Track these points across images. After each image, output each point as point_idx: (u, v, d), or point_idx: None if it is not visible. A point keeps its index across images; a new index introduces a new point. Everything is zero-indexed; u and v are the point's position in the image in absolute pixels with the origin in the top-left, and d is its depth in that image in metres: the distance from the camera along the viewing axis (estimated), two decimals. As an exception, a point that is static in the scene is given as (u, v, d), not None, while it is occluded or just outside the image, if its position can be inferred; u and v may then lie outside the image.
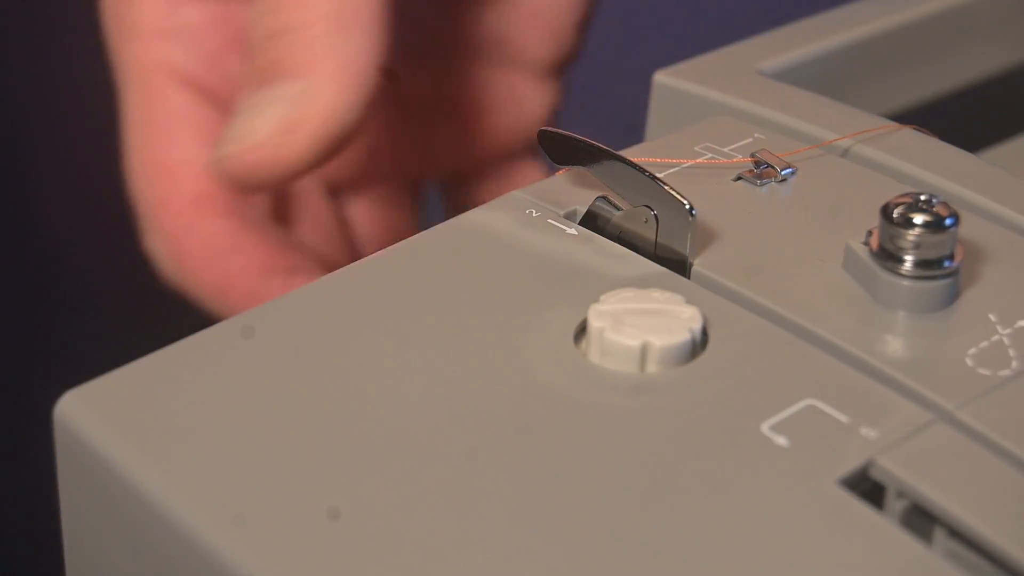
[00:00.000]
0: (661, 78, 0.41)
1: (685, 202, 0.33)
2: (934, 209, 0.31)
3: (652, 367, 0.30)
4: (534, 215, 0.35)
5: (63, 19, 0.62)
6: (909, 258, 0.31)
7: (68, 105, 0.64)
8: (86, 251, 0.67)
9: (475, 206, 0.35)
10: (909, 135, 0.37)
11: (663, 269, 0.33)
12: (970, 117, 0.47)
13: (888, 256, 0.31)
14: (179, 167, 0.43)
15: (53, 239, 0.66)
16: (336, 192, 0.48)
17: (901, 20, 0.44)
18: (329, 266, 0.44)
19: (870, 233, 0.32)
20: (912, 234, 0.31)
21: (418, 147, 0.50)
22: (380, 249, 0.35)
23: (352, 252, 0.48)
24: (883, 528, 0.27)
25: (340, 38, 0.40)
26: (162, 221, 0.43)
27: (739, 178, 0.36)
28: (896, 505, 0.28)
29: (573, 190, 0.36)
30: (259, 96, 0.40)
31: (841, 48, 0.43)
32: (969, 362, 0.30)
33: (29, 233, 0.65)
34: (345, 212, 0.49)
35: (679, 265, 0.33)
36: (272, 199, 0.46)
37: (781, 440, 0.29)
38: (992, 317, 0.31)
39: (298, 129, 0.39)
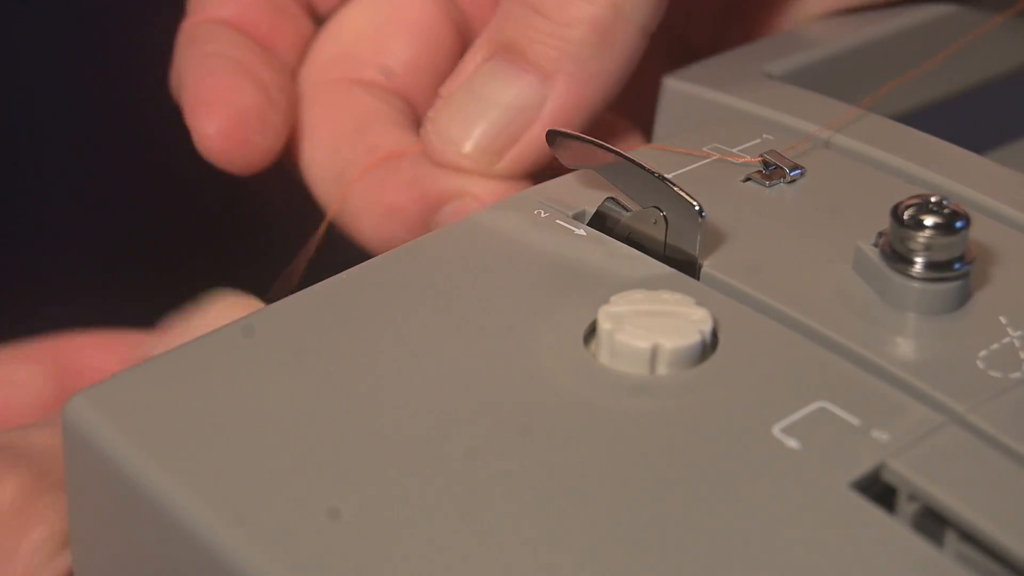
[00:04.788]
0: (669, 81, 0.41)
1: (695, 203, 0.33)
2: (945, 211, 0.31)
3: (662, 369, 0.30)
4: (543, 216, 0.35)
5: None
6: (920, 260, 0.31)
7: (70, 103, 0.64)
8: (87, 251, 0.67)
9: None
10: (920, 137, 0.37)
11: (672, 270, 0.33)
12: (977, 119, 0.46)
13: (898, 258, 0.31)
14: None
15: (54, 238, 0.66)
16: None
17: (907, 23, 0.44)
18: None
19: (880, 234, 0.32)
20: (923, 236, 0.31)
21: None
22: None
23: None
24: (895, 531, 0.27)
25: (593, 50, 0.38)
26: None
27: (748, 179, 0.36)
28: (907, 508, 0.28)
29: (582, 191, 0.36)
30: (484, 82, 0.39)
31: (848, 50, 0.43)
32: (980, 364, 0.30)
33: (31, 233, 0.65)
34: None
35: (688, 266, 0.33)
36: None
37: (792, 442, 0.29)
38: (1003, 319, 0.31)
39: (512, 148, 0.38)
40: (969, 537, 0.27)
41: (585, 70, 0.38)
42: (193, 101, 0.41)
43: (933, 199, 0.31)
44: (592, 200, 0.35)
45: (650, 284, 0.32)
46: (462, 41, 0.44)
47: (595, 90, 0.38)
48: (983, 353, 0.30)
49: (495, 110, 0.38)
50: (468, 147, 0.38)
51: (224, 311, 0.36)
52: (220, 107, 0.40)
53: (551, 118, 0.38)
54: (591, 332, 0.31)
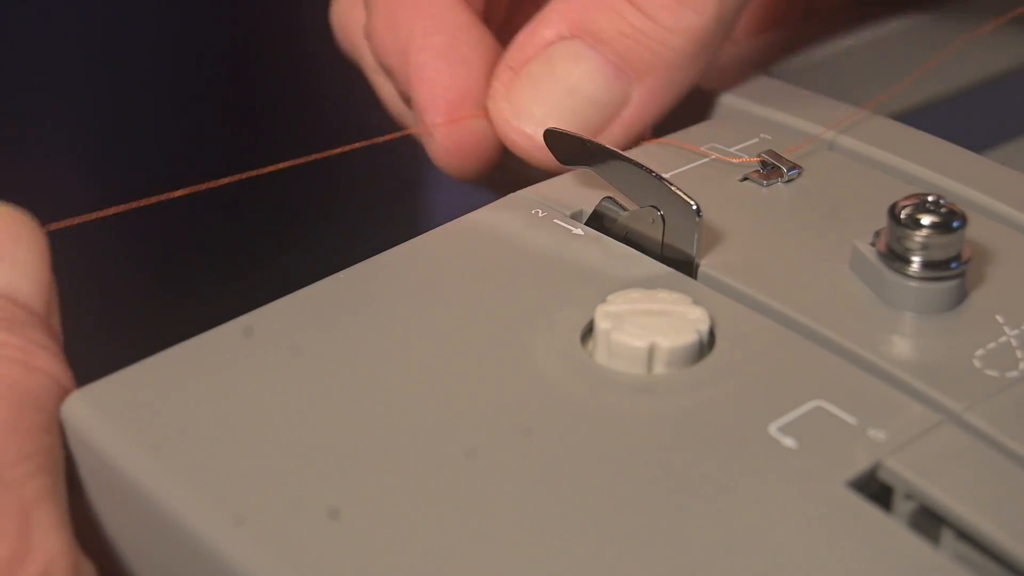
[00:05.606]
0: None
1: (692, 202, 0.33)
2: (942, 210, 0.31)
3: (659, 368, 0.30)
4: (540, 215, 0.35)
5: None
6: (917, 259, 0.31)
7: (65, 100, 0.64)
8: (89, 251, 0.67)
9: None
10: (919, 137, 0.37)
11: (670, 270, 0.33)
12: (976, 119, 0.46)
13: (895, 257, 0.31)
14: None
15: (54, 239, 0.66)
16: None
17: (906, 23, 0.44)
18: None
19: (877, 234, 0.32)
20: (920, 235, 0.31)
21: None
22: None
23: None
24: (891, 530, 0.27)
25: (688, 60, 0.37)
26: None
27: (745, 178, 0.36)
28: (904, 507, 0.28)
29: (579, 190, 0.36)
30: (565, 65, 0.37)
31: (847, 50, 0.43)
32: (977, 363, 0.30)
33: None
34: None
35: (686, 266, 0.33)
36: None
37: (789, 441, 0.29)
38: (999, 318, 0.31)
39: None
40: (965, 536, 0.27)
41: (674, 77, 0.37)
42: (427, 104, 0.39)
43: (930, 198, 0.31)
44: (590, 199, 0.35)
45: (647, 283, 0.32)
46: None
47: (674, 97, 0.38)
48: (980, 352, 0.30)
49: (577, 102, 0.37)
50: (539, 131, 0.37)
51: None
52: (452, 113, 0.38)
53: (631, 119, 0.37)
54: (588, 331, 0.31)
